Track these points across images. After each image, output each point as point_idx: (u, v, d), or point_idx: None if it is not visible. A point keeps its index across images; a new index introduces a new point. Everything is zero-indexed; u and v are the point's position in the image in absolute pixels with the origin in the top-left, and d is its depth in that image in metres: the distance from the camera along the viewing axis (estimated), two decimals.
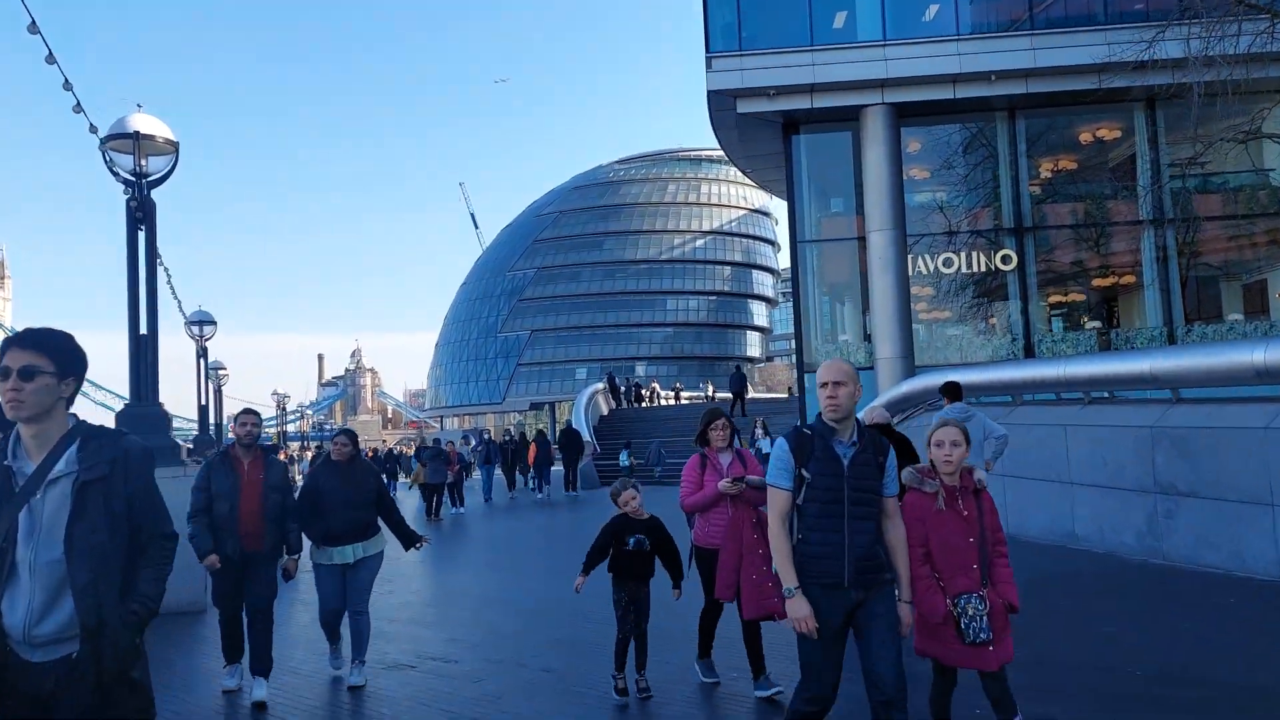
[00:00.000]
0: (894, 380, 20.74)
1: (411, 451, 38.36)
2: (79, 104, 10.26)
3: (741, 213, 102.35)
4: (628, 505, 6.08)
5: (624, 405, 40.64)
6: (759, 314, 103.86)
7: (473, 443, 39.85)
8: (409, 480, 29.05)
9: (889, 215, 21.19)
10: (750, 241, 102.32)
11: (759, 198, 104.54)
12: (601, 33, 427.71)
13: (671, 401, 49.29)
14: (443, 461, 20.26)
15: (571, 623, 8.25)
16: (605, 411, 37.22)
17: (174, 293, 23.41)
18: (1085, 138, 22.92)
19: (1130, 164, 22.31)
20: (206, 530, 6.20)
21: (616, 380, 41.50)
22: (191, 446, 25.38)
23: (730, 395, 35.09)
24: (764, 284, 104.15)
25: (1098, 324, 22.33)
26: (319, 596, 6.56)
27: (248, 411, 6.68)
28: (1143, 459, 9.34)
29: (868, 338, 22.13)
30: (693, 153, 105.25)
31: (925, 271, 22.11)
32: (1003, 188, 22.16)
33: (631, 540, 6.02)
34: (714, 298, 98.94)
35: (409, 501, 28.09)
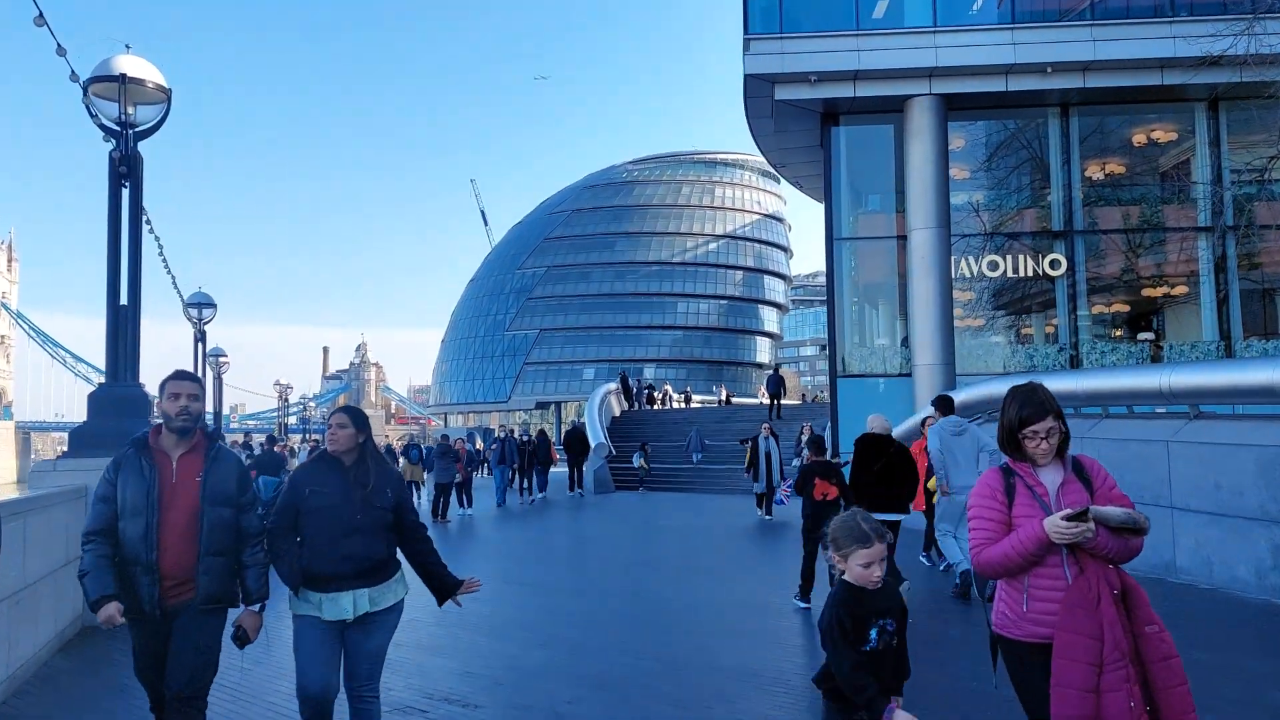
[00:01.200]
0: (933, 389, 19.49)
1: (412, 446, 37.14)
2: (41, 15, 9.01)
3: (755, 217, 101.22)
4: (865, 574, 3.34)
5: (636, 406, 39.40)
6: (769, 320, 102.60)
7: (480, 441, 38.62)
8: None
9: (933, 213, 19.95)
10: (762, 246, 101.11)
11: (773, 203, 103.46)
12: (621, 33, 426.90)
13: (682, 405, 48.05)
14: (451, 460, 18.99)
15: (608, 656, 7.00)
16: (617, 413, 35.98)
17: (167, 266, 22.01)
18: (1141, 139, 21.65)
19: (1189, 168, 21.07)
20: (105, 564, 3.89)
21: (629, 381, 40.18)
22: None
23: (768, 397, 34.26)
24: (775, 290, 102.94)
25: (1150, 336, 21.05)
26: (297, 666, 4.14)
27: (181, 377, 4.13)
28: (1268, 483, 8.08)
29: (905, 343, 20.88)
30: (707, 155, 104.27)
31: (968, 274, 20.88)
32: (1053, 189, 20.93)
33: (874, 631, 3.36)
34: (724, 302, 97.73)
35: None
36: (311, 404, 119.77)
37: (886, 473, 8.33)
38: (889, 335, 22.25)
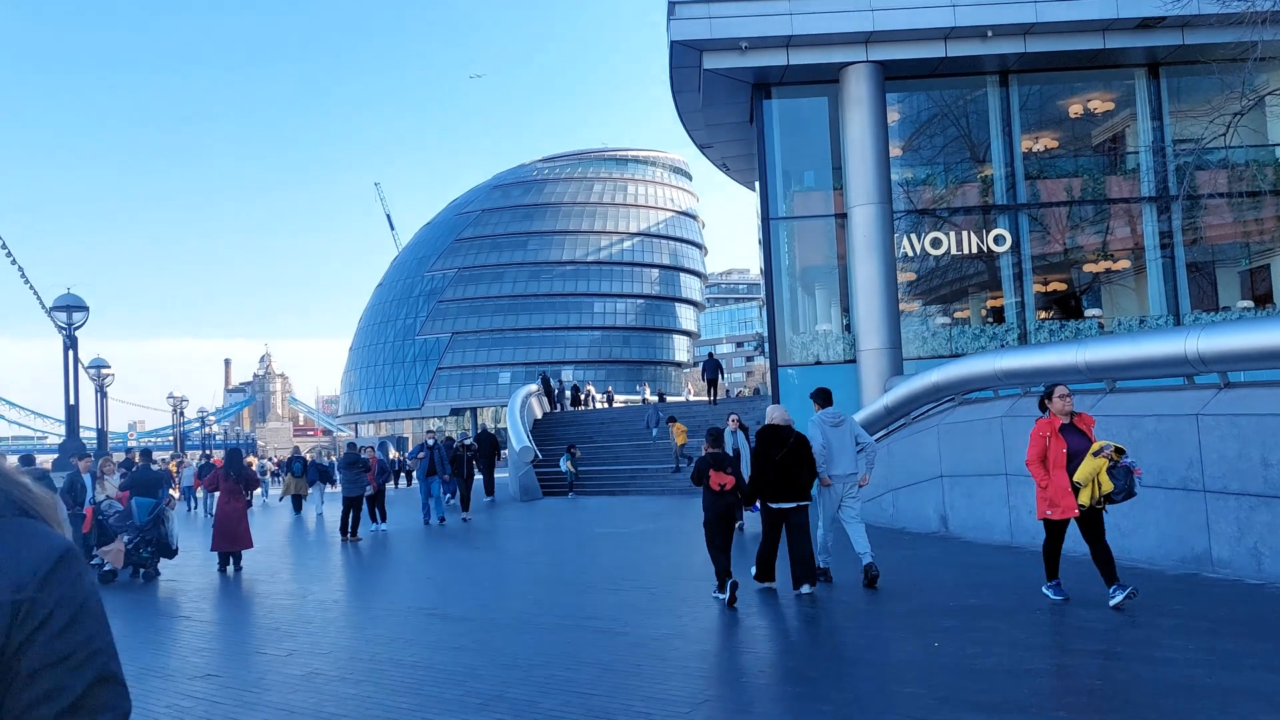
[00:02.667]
0: (880, 376, 18.35)
1: (331, 459, 34.76)
2: None
3: (668, 214, 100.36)
4: None
5: (558, 408, 37.69)
6: (687, 318, 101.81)
7: (394, 450, 36.39)
8: (281, 491, 25.69)
9: (874, 188, 18.79)
10: (677, 244, 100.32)
11: (686, 199, 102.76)
12: (526, 29, 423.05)
13: (605, 405, 46.55)
14: (360, 471, 17.01)
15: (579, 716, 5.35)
16: (539, 415, 34.21)
17: (12, 258, 19.27)
18: (1079, 109, 20.91)
19: (1132, 137, 20.40)
20: None
21: (551, 382, 38.43)
22: (56, 456, 21.65)
23: (704, 384, 33.91)
24: (691, 288, 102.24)
25: (1098, 311, 20.31)
26: None
27: None
28: None
29: (848, 327, 19.69)
30: (618, 152, 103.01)
31: (911, 253, 19.80)
32: (994, 162, 20.01)
33: None
34: (642, 301, 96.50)
35: (281, 513, 24.61)
36: (211, 418, 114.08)
37: (788, 462, 8.51)
38: (830, 320, 21.04)
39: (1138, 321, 19.31)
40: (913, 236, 19.76)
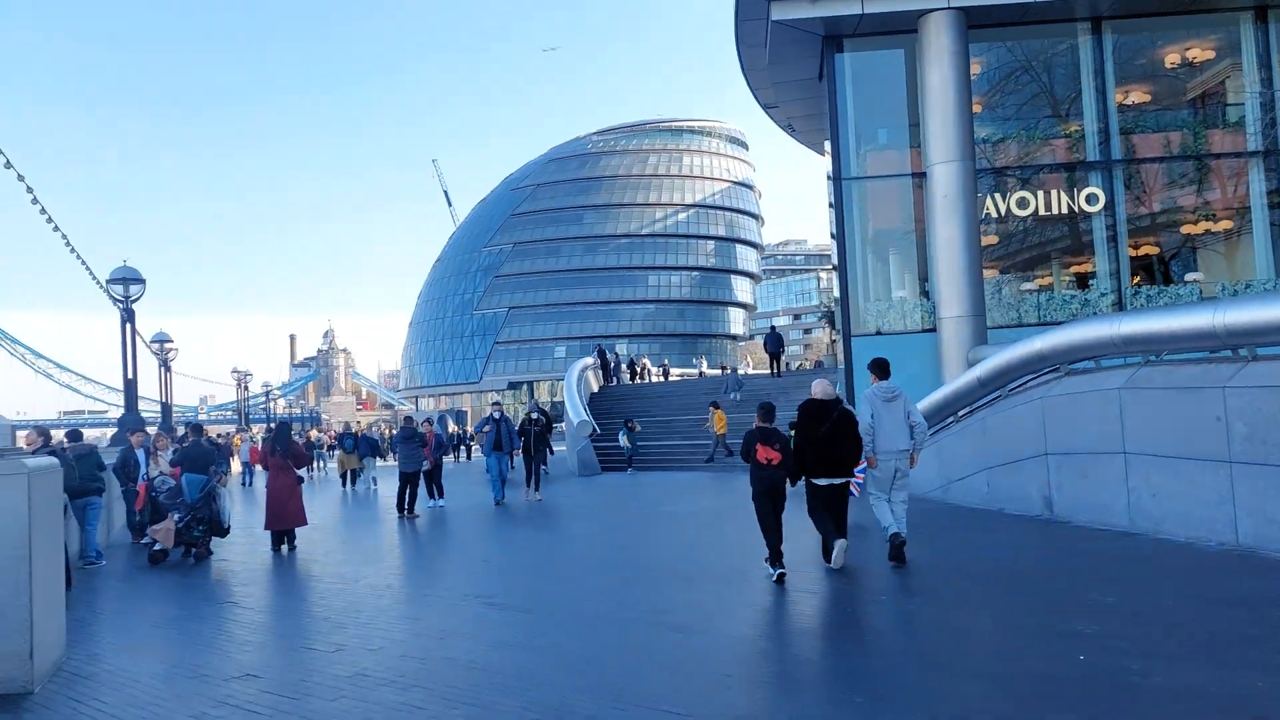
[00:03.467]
0: (962, 345, 17.23)
1: (389, 432, 34.50)
2: None
3: (724, 185, 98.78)
4: None
5: (614, 382, 36.99)
6: (742, 290, 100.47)
7: (452, 424, 36.00)
8: (337, 465, 25.76)
9: (956, 145, 17.58)
10: (733, 215, 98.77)
11: (742, 169, 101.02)
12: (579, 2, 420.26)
13: (661, 379, 45.73)
14: (416, 445, 16.43)
15: None
16: (595, 388, 33.54)
17: (66, 240, 18.98)
18: (1176, 58, 19.35)
19: (1235, 89, 18.83)
20: None
21: (608, 355, 37.70)
22: (114, 431, 21.52)
23: (768, 357, 33.14)
24: (747, 259, 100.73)
25: (1198, 275, 18.87)
26: None
27: None
28: None
29: (926, 294, 18.55)
30: (674, 123, 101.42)
31: (995, 214, 18.56)
32: (1086, 116, 18.61)
33: None
34: (696, 273, 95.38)
35: (337, 487, 24.38)
36: (276, 392, 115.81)
37: (831, 437, 8.38)
38: (906, 287, 19.89)
39: (1244, 286, 17.87)
40: (996, 197, 18.52)
